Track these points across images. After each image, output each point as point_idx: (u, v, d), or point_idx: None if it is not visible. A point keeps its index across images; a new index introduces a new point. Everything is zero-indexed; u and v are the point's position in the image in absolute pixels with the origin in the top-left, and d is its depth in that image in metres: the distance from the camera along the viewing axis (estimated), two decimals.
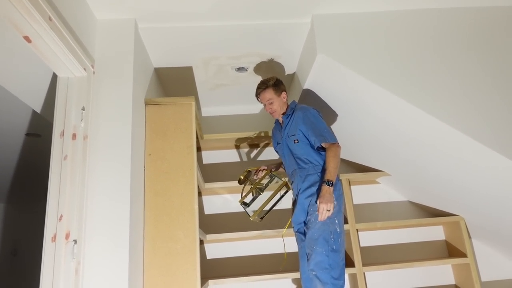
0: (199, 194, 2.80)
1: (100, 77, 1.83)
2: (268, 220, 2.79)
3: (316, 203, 1.88)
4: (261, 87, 2.17)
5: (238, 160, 2.97)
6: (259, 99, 2.20)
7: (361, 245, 2.77)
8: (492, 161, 1.84)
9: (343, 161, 2.97)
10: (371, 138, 2.45)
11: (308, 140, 2.05)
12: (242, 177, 2.32)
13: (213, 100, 2.98)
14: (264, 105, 2.19)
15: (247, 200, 2.28)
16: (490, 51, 2.01)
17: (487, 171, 1.95)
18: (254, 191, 2.29)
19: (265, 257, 2.73)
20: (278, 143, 2.27)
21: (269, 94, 2.15)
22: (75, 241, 1.53)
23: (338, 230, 1.92)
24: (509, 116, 1.85)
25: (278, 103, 2.16)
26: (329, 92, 2.33)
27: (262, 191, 2.31)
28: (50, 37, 1.43)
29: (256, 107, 3.11)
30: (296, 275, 2.44)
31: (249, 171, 2.36)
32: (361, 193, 2.91)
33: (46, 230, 1.51)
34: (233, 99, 2.99)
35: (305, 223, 2.01)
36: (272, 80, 2.17)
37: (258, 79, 2.68)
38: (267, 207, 2.21)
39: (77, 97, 1.70)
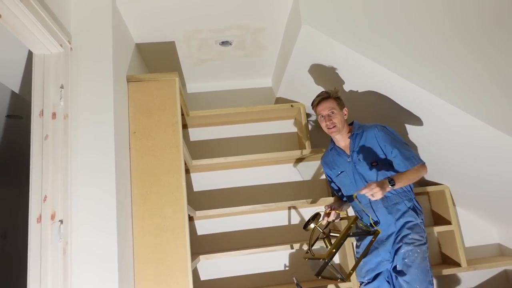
0: (187, 171, 2.79)
1: (78, 54, 1.77)
2: (257, 195, 2.81)
3: (414, 245, 1.79)
4: (323, 96, 1.96)
5: (225, 136, 2.95)
6: (316, 109, 1.98)
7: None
8: (477, 129, 1.86)
9: None
10: (357, 110, 2.45)
11: (388, 162, 1.84)
12: (311, 226, 1.81)
13: (198, 76, 2.92)
14: (322, 117, 1.95)
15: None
16: (467, 18, 1.97)
17: (472, 141, 1.98)
18: (327, 241, 1.81)
19: (255, 231, 2.76)
20: (340, 172, 2.02)
21: (331, 103, 1.94)
22: (61, 221, 1.51)
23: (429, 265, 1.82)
24: (491, 84, 1.85)
25: (340, 117, 1.93)
26: (314, 66, 2.29)
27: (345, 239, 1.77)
28: (21, 11, 1.36)
29: (242, 82, 3.07)
30: (286, 247, 2.49)
31: (318, 214, 1.87)
32: None
33: (30, 211, 1.49)
34: (218, 74, 2.93)
35: (395, 269, 1.83)
36: (335, 92, 1.98)
37: (243, 53, 2.63)
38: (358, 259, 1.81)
39: (55, 74, 1.64)
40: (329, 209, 1.90)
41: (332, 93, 1.98)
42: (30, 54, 1.92)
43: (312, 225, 1.83)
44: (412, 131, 2.28)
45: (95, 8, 1.85)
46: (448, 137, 2.10)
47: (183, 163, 1.94)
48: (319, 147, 2.80)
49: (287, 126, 3.00)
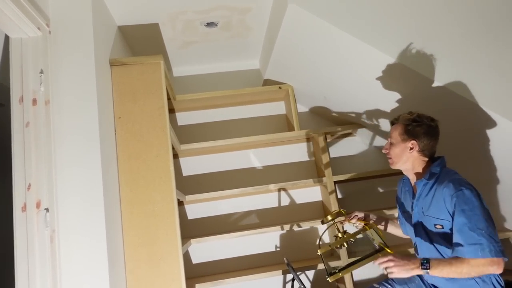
0: (176, 156, 2.77)
1: (58, 37, 1.70)
2: (246, 178, 2.81)
3: None
4: (395, 119, 1.67)
5: (214, 120, 2.92)
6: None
7: (339, 197, 2.85)
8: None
9: (323, 116, 2.98)
10: (348, 91, 2.44)
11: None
12: (330, 218, 1.77)
13: (184, 59, 2.86)
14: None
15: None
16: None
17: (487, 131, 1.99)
18: (339, 244, 1.76)
19: (246, 213, 2.78)
20: (402, 212, 1.75)
21: (395, 131, 1.64)
22: (47, 209, 1.49)
23: None
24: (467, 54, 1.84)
25: (398, 151, 1.61)
26: (302, 47, 2.26)
27: (346, 246, 1.80)
28: None
29: (229, 65, 3.02)
30: (277, 229, 2.51)
31: (341, 213, 1.83)
32: (338, 147, 2.95)
33: (14, 200, 1.46)
34: (204, 57, 2.88)
35: None
36: (410, 116, 1.61)
37: (229, 34, 2.58)
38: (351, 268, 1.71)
39: (34, 59, 1.58)
40: (357, 216, 1.78)
41: (401, 118, 1.65)
42: (7, 38, 1.86)
43: (329, 221, 1.77)
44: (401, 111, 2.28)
45: None
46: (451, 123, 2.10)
47: (171, 147, 1.92)
48: (308, 128, 2.80)
49: (276, 108, 2.98)
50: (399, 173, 1.76)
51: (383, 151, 1.71)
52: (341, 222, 1.84)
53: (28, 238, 1.43)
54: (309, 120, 2.97)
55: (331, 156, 2.90)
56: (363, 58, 1.99)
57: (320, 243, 1.89)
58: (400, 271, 1.37)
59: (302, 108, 2.97)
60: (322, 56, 2.24)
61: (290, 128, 2.81)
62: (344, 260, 2.41)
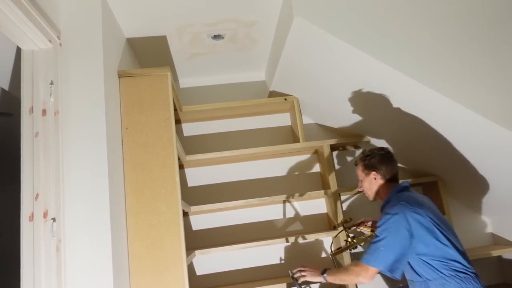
0: (181, 166, 2.78)
1: (68, 49, 1.74)
2: (251, 189, 2.81)
3: None
4: (355, 162, 1.95)
5: (220, 131, 2.94)
6: None
7: (344, 209, 2.83)
8: (469, 121, 1.86)
9: (328, 128, 2.98)
10: (352, 104, 2.45)
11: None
12: (339, 223, 2.06)
13: (190, 70, 2.90)
14: None
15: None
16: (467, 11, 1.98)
17: (465, 132, 1.98)
18: (347, 245, 2.00)
19: (251, 225, 2.77)
20: None
21: (358, 170, 1.91)
22: (53, 219, 1.50)
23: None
24: (487, 77, 1.85)
25: (366, 184, 1.85)
26: (308, 59, 2.28)
27: (355, 248, 2.05)
28: (7, 5, 1.33)
29: (235, 76, 3.05)
30: (282, 241, 2.50)
31: (351, 220, 2.08)
32: (343, 158, 2.95)
33: (22, 209, 1.47)
34: (211, 68, 2.91)
35: None
36: (363, 154, 1.89)
37: (235, 47, 2.61)
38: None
39: (44, 70, 1.61)
40: (364, 222, 2.05)
41: (358, 158, 1.91)
42: (18, 50, 1.90)
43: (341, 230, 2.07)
44: (406, 126, 2.29)
45: (84, 2, 1.82)
46: (443, 130, 2.11)
47: (177, 158, 1.93)
48: (313, 139, 2.80)
49: (281, 120, 2.99)
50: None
51: (359, 189, 1.93)
52: (349, 228, 2.03)
53: (34, 248, 1.44)
54: (315, 132, 2.97)
55: (337, 167, 2.90)
56: (369, 71, 2.00)
57: (332, 249, 2.13)
58: (309, 276, 1.79)
59: (308, 119, 2.98)
60: (327, 68, 2.26)
61: (296, 139, 2.81)
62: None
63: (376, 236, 1.61)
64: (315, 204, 2.83)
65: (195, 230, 2.73)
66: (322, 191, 2.60)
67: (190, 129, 2.91)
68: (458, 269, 1.55)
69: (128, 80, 2.00)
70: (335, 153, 2.94)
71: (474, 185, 2.43)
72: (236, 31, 2.42)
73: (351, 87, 2.29)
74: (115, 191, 1.71)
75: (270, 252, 2.72)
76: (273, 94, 2.88)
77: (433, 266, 1.55)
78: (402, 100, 2.10)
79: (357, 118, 2.58)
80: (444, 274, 1.54)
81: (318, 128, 3.00)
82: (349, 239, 1.97)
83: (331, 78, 2.33)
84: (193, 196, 2.76)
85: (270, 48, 2.69)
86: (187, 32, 2.37)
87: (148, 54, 2.59)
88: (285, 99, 2.75)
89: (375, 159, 1.83)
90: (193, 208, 2.47)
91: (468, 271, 1.56)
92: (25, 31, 1.49)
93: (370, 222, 2.04)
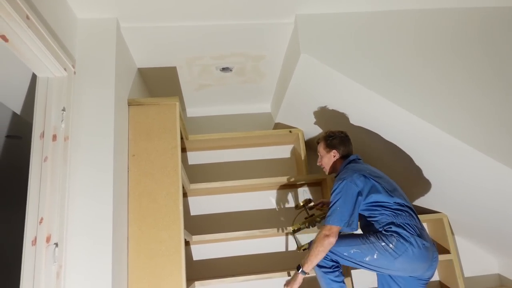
0: (185, 195, 2.78)
1: (82, 77, 1.80)
2: (254, 220, 2.79)
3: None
4: (317, 140, 2.15)
5: (224, 160, 2.96)
6: None
7: None
8: (477, 161, 1.87)
9: None
10: (355, 138, 2.47)
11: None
12: (301, 204, 2.30)
13: (198, 100, 2.96)
14: None
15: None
16: (474, 51, 2.04)
17: (472, 171, 1.98)
18: (307, 223, 2.27)
19: (252, 257, 2.73)
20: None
21: (320, 147, 2.12)
22: (56, 244, 1.50)
23: (367, 259, 1.79)
24: (494, 116, 1.88)
25: (325, 160, 2.09)
26: (313, 93, 2.34)
27: (314, 225, 2.29)
28: (28, 36, 1.40)
29: (241, 107, 3.11)
30: (283, 275, 2.45)
31: (310, 200, 2.33)
32: None
33: (26, 233, 1.47)
34: (218, 99, 2.97)
35: None
36: (326, 134, 2.11)
37: (243, 79, 2.68)
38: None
39: (58, 97, 1.67)
40: (322, 202, 2.31)
41: (321, 137, 2.14)
42: (34, 76, 1.96)
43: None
44: (408, 159, 2.30)
45: (100, 33, 1.90)
46: (448, 169, 2.11)
47: (181, 186, 1.94)
48: (317, 173, 2.80)
49: (285, 152, 3.02)
50: None
51: (318, 164, 2.16)
52: (310, 209, 2.30)
53: (35, 273, 1.43)
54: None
55: None
56: (384, 110, 2.04)
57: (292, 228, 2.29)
58: (294, 285, 1.86)
59: (312, 152, 3.00)
60: (332, 102, 2.31)
61: (300, 171, 2.82)
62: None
63: (331, 201, 1.86)
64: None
65: (195, 260, 2.69)
66: None
67: (195, 157, 2.93)
68: (400, 209, 1.84)
69: (138, 108, 2.05)
70: None
71: (482, 224, 2.40)
72: (244, 64, 2.50)
73: (355, 121, 2.32)
74: (118, 219, 1.71)
75: (271, 286, 2.66)
76: (278, 126, 2.91)
77: (379, 211, 1.84)
78: (401, 132, 2.12)
79: (362, 153, 2.59)
80: (389, 214, 1.83)
81: None
82: (309, 218, 2.26)
83: (334, 111, 2.37)
84: (195, 225, 2.74)
85: (276, 82, 2.76)
86: (197, 64, 2.44)
87: (158, 84, 2.66)
88: (290, 131, 2.79)
89: (336, 140, 2.08)
90: (195, 238, 2.45)
91: (408, 209, 1.85)
92: (42, 59, 1.55)
93: (328, 201, 2.15)
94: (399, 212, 1.83)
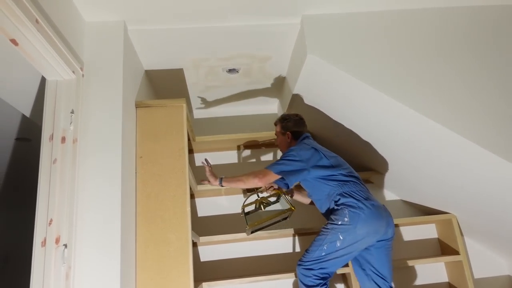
0: (192, 196, 2.79)
1: (90, 80, 1.82)
2: None
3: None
4: (275, 122, 2.33)
5: (231, 162, 2.96)
6: None
7: None
8: (486, 161, 1.85)
9: None
10: (364, 138, 2.46)
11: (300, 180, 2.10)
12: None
13: (205, 101, 2.97)
14: None
15: (250, 208, 2.33)
16: (488, 51, 2.02)
17: (481, 171, 1.96)
18: (258, 204, 2.32)
19: (259, 258, 2.72)
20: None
21: (276, 129, 2.32)
22: (65, 245, 1.51)
23: (338, 244, 1.90)
24: (505, 117, 1.86)
25: (280, 140, 2.29)
26: (319, 94, 2.33)
27: (264, 208, 2.33)
28: (37, 39, 1.41)
29: (248, 109, 3.11)
30: (290, 276, 2.44)
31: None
32: None
33: (35, 235, 1.49)
34: (225, 100, 2.98)
35: None
36: (281, 117, 2.30)
37: (249, 80, 2.68)
38: (265, 224, 2.26)
39: (66, 100, 1.68)
40: (273, 186, 2.29)
41: (278, 120, 2.33)
42: (43, 79, 1.98)
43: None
44: (417, 161, 2.28)
45: (107, 36, 1.92)
46: (459, 168, 2.09)
47: (188, 188, 1.94)
48: None
49: None
50: None
51: (276, 144, 2.39)
52: (261, 192, 2.35)
53: (44, 274, 1.44)
54: None
55: None
56: (392, 111, 2.03)
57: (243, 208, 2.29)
58: (211, 179, 2.13)
59: None
60: (339, 103, 2.30)
61: None
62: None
63: (285, 156, 2.04)
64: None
65: (203, 261, 2.70)
66: None
67: (202, 159, 2.93)
68: (345, 180, 2.00)
69: (145, 110, 2.06)
70: None
71: (492, 224, 2.37)
72: (250, 65, 2.50)
73: (366, 125, 2.31)
74: (126, 220, 1.72)
75: (279, 287, 2.66)
76: None
77: (329, 181, 2.00)
78: (408, 133, 2.10)
79: (372, 154, 2.58)
80: (335, 185, 1.99)
81: None
82: (259, 199, 2.30)
83: (341, 112, 2.36)
84: (203, 226, 2.75)
85: (283, 82, 2.76)
86: (203, 66, 2.45)
87: (165, 85, 2.67)
88: None
89: (291, 123, 2.24)
90: (202, 239, 2.46)
91: (353, 178, 2.02)
92: (51, 62, 1.57)
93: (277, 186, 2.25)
94: (345, 182, 1.99)
